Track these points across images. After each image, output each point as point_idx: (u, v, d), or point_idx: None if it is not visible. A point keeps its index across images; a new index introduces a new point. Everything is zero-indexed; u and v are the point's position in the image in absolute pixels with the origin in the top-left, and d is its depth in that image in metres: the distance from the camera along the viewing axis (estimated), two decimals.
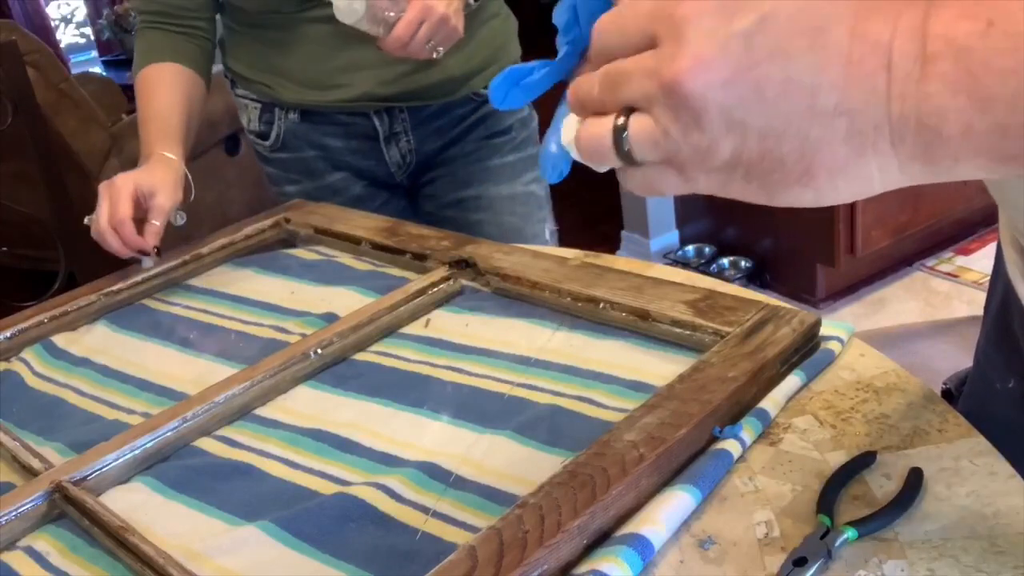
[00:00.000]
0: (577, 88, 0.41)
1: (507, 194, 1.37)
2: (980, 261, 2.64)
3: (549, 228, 1.44)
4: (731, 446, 0.64)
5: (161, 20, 1.23)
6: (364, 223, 1.13)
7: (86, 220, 1.08)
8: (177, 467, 0.75)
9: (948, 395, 0.84)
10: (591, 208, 3.03)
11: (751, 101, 0.36)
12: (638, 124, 0.38)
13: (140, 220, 1.06)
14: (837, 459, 0.63)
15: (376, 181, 1.37)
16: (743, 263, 2.75)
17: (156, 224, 1.06)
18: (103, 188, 1.08)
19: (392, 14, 1.08)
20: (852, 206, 2.42)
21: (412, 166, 1.35)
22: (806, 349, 0.75)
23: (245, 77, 1.32)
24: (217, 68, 1.32)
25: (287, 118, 1.32)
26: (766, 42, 0.36)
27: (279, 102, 1.31)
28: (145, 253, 1.06)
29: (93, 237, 1.06)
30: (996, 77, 0.33)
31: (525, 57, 1.39)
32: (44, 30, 5.66)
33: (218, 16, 1.29)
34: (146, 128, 1.18)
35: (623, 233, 3.04)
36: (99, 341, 0.99)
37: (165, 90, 1.19)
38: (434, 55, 1.12)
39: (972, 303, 2.47)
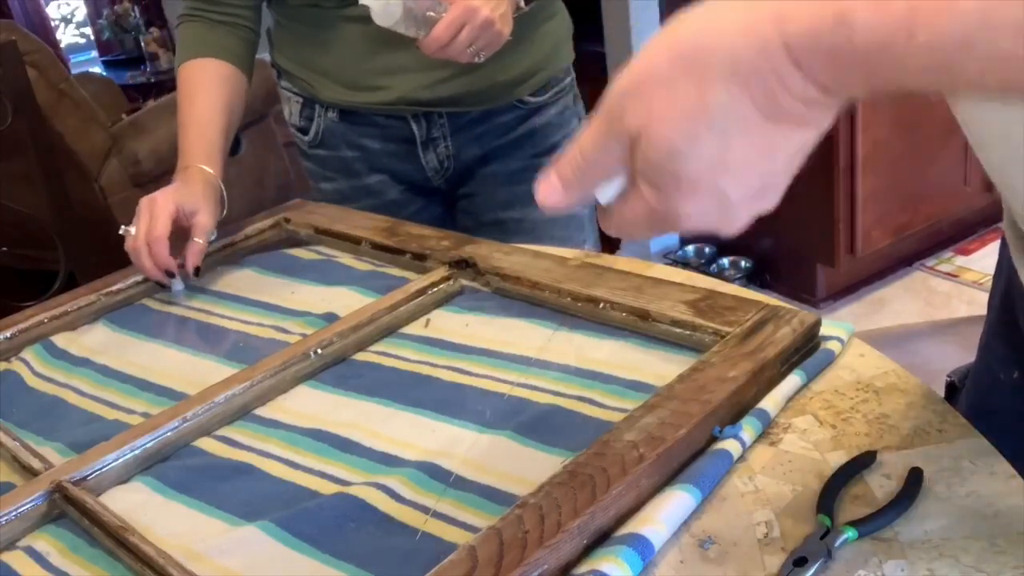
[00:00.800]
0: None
1: (550, 218, 1.31)
2: (980, 261, 2.64)
3: (588, 248, 1.39)
4: (731, 446, 0.64)
5: (204, 9, 1.20)
6: (364, 223, 1.13)
7: (121, 230, 1.08)
8: (177, 467, 0.75)
9: (952, 388, 0.84)
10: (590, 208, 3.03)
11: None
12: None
13: (176, 237, 1.05)
14: (837, 459, 0.63)
15: (414, 186, 1.33)
16: (743, 263, 2.75)
17: (199, 243, 1.06)
18: (144, 203, 1.07)
19: (432, 14, 1.03)
20: (852, 206, 2.42)
21: (451, 172, 1.31)
22: (806, 349, 0.75)
23: (288, 71, 1.31)
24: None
25: (326, 116, 1.29)
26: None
27: (319, 100, 1.29)
28: (171, 275, 1.05)
29: (127, 249, 1.05)
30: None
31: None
32: (44, 30, 5.67)
33: (265, 6, 1.27)
34: (186, 135, 1.15)
35: None
36: (99, 341, 0.99)
37: (205, 95, 1.17)
38: (476, 59, 1.08)
39: (972, 303, 2.47)
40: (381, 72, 1.22)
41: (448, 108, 1.25)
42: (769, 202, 0.45)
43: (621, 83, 0.44)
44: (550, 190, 0.48)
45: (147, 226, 1.04)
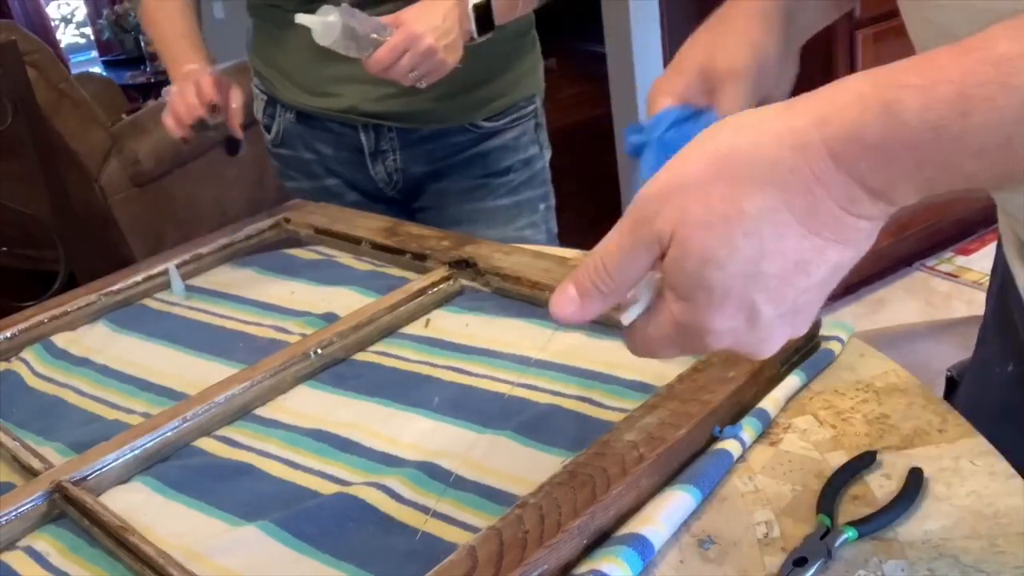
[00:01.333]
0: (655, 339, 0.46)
1: (498, 238, 1.29)
2: (980, 261, 2.64)
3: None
4: (731, 446, 0.64)
5: None
6: (364, 223, 1.13)
7: (163, 92, 1.12)
8: (177, 467, 0.75)
9: (952, 382, 0.84)
10: (591, 208, 3.03)
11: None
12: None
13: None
14: (837, 459, 0.63)
15: (368, 193, 1.35)
16: None
17: (236, 107, 1.10)
18: (182, 79, 1.11)
19: (377, 36, 1.04)
20: None
21: (400, 184, 1.33)
22: (806, 349, 0.74)
23: (257, 69, 1.34)
24: (230, 63, 1.32)
25: (285, 116, 1.32)
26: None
27: (279, 99, 1.32)
28: (199, 127, 1.08)
29: (167, 109, 1.09)
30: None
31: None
32: (44, 30, 5.66)
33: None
34: (169, 48, 1.19)
35: None
36: (99, 341, 0.99)
37: (177, 15, 1.21)
38: (418, 85, 1.08)
39: (972, 303, 2.47)
40: (334, 79, 1.23)
41: (397, 123, 1.26)
42: (801, 326, 0.43)
43: (651, 187, 0.42)
44: (566, 301, 0.45)
45: (193, 85, 1.08)
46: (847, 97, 0.38)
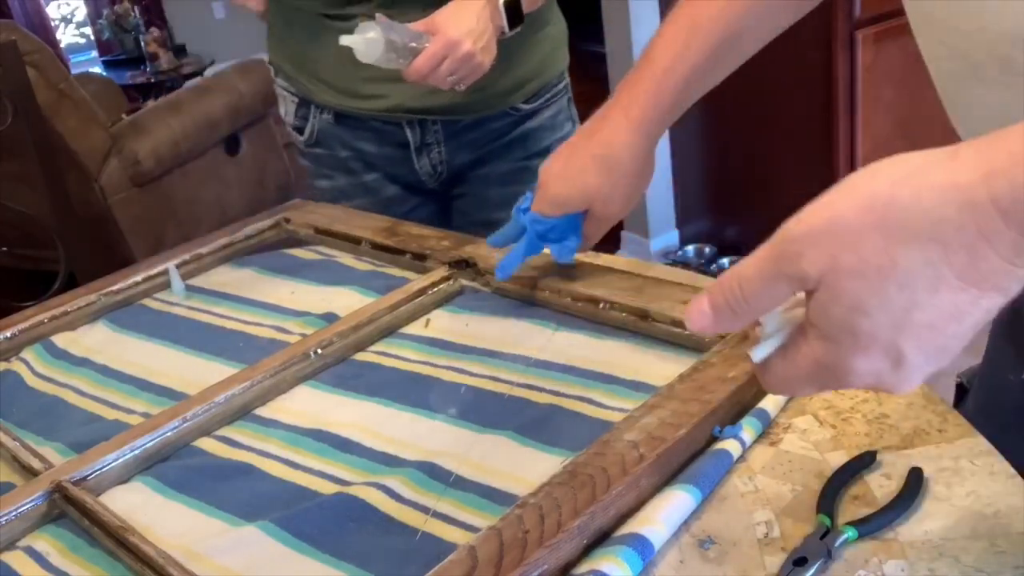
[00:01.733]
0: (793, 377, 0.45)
1: None
2: None
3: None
4: (731, 446, 0.64)
5: None
6: (364, 223, 1.13)
7: None
8: (177, 467, 0.75)
9: (962, 388, 0.84)
10: None
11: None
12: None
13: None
14: (837, 459, 0.63)
15: (409, 185, 1.34)
16: None
17: None
18: None
19: (415, 44, 1.04)
20: None
21: (444, 175, 1.33)
22: None
23: (284, 71, 1.32)
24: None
25: (321, 117, 1.30)
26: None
27: (314, 102, 1.30)
28: None
29: None
30: None
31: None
32: (44, 30, 5.66)
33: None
34: None
35: (623, 233, 3.04)
36: (99, 341, 0.99)
37: None
38: (457, 88, 1.09)
39: None
40: (376, 80, 1.22)
41: (442, 116, 1.26)
42: (943, 363, 0.42)
43: (799, 224, 0.41)
44: (699, 315, 0.46)
45: None
46: (1015, 148, 0.37)
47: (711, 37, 0.77)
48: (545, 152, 1.29)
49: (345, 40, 1.03)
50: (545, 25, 1.29)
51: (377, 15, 1.05)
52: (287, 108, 1.35)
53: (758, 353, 0.46)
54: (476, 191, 1.34)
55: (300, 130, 1.34)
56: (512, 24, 1.12)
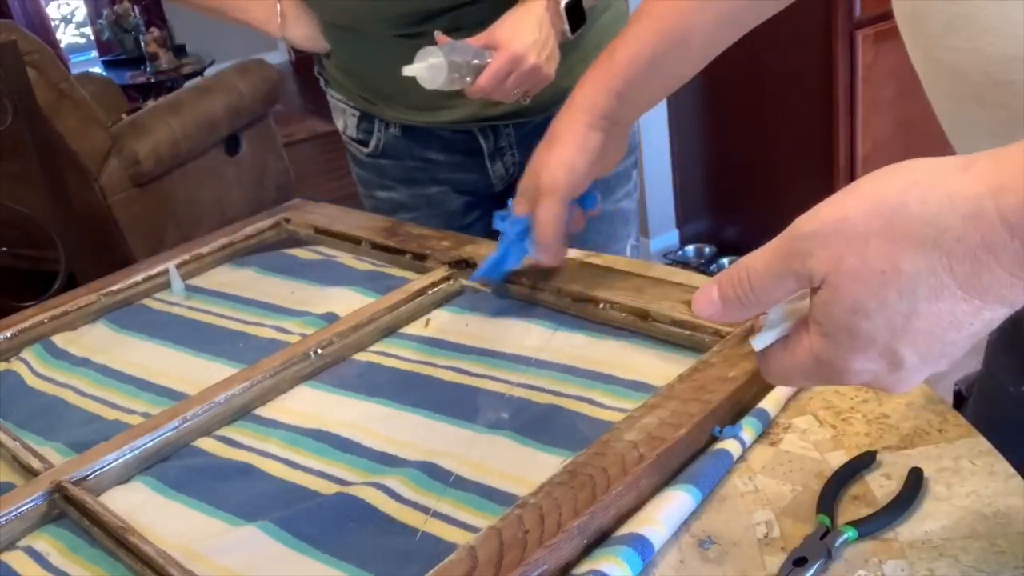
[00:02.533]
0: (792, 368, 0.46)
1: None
2: None
3: (631, 243, 1.37)
4: (731, 446, 0.64)
5: None
6: (364, 223, 1.13)
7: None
8: (177, 467, 0.75)
9: (959, 396, 0.84)
10: None
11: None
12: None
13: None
14: (837, 459, 0.63)
15: (476, 194, 1.32)
16: None
17: None
18: None
19: (478, 61, 1.02)
20: None
21: (516, 177, 1.29)
22: None
23: (342, 84, 1.28)
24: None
25: (387, 131, 1.27)
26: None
27: (379, 117, 1.26)
28: None
29: None
30: None
31: None
32: (44, 30, 5.66)
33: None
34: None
35: None
36: (99, 341, 0.99)
37: None
38: (522, 101, 1.07)
39: None
40: (445, 94, 1.15)
41: (513, 120, 1.23)
42: (941, 367, 0.43)
43: (809, 223, 0.42)
44: (707, 303, 0.47)
45: None
46: None
47: (660, 30, 0.80)
48: None
49: (408, 71, 1.00)
50: (606, 9, 1.24)
51: (437, 35, 1.03)
52: (347, 121, 1.31)
53: (760, 341, 0.47)
54: None
55: (364, 143, 1.30)
56: (575, 26, 1.09)
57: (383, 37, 1.16)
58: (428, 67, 1.00)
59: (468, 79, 1.03)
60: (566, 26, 1.08)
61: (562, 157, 0.84)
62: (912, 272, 0.39)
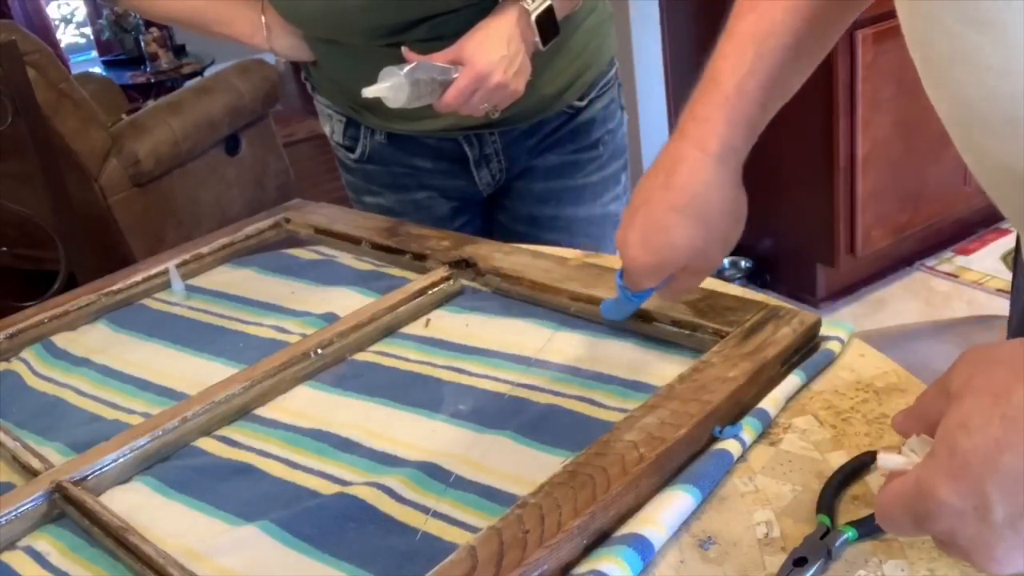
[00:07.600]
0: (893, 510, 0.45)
1: (584, 216, 1.29)
2: (980, 261, 2.63)
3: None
4: (731, 446, 0.64)
5: None
6: (364, 223, 1.13)
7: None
8: (177, 467, 0.75)
9: None
10: None
11: None
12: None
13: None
14: (837, 459, 0.63)
15: (463, 199, 1.31)
16: (743, 263, 2.75)
17: None
18: None
19: (443, 78, 1.02)
20: (852, 206, 2.42)
21: (502, 182, 1.30)
22: (806, 349, 0.75)
23: (328, 91, 1.28)
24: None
25: (373, 138, 1.27)
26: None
27: (365, 124, 1.26)
28: None
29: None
30: None
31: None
32: (44, 30, 5.65)
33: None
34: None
35: None
36: (99, 341, 0.99)
37: None
38: (491, 115, 1.07)
39: (972, 303, 2.47)
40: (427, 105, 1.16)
41: (499, 127, 1.23)
42: None
43: (976, 349, 0.44)
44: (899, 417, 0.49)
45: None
46: None
47: (778, 47, 0.70)
48: (595, 145, 1.28)
49: (369, 92, 1.00)
50: (589, 13, 1.23)
51: (405, 51, 1.02)
52: (333, 127, 1.31)
53: (885, 459, 0.47)
54: (522, 185, 1.30)
55: (351, 149, 1.30)
56: (547, 38, 1.08)
57: (364, 47, 1.16)
58: (389, 87, 1.00)
59: (435, 96, 1.03)
60: (537, 38, 1.07)
61: (721, 233, 0.74)
62: (1019, 404, 0.40)
